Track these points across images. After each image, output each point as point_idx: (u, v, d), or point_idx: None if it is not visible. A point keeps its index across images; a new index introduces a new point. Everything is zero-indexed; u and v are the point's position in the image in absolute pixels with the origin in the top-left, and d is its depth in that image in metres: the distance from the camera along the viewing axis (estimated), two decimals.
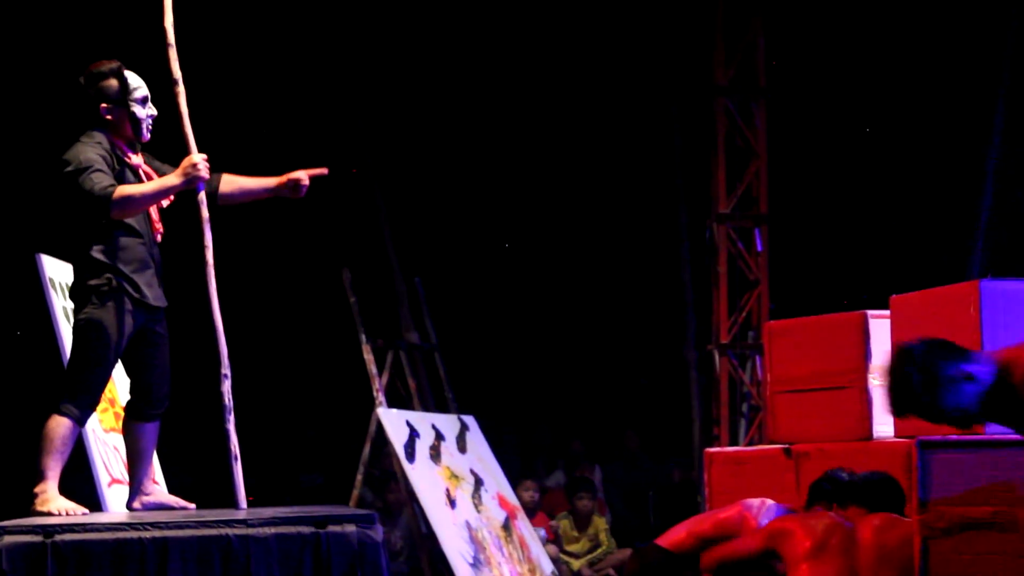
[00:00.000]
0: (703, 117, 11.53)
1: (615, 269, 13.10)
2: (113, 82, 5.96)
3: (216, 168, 6.07)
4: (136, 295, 5.84)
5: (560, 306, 13.28)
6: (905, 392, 4.89)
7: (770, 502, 6.58)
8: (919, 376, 4.85)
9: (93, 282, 5.80)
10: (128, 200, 5.74)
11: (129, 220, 5.85)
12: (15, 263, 8.08)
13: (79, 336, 5.85)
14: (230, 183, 6.11)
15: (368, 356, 9.76)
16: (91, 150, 5.82)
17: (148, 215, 5.95)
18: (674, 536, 6.57)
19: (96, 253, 5.81)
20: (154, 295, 5.92)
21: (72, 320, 6.03)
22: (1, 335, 9.35)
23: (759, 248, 11.38)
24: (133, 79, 6.00)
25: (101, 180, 5.71)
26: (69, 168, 5.76)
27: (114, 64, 6.00)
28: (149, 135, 6.04)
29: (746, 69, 11.37)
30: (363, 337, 9.80)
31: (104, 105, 5.94)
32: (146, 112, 6.00)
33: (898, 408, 4.98)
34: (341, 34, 11.23)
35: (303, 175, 6.07)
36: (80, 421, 5.80)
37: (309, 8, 11.01)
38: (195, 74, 6.29)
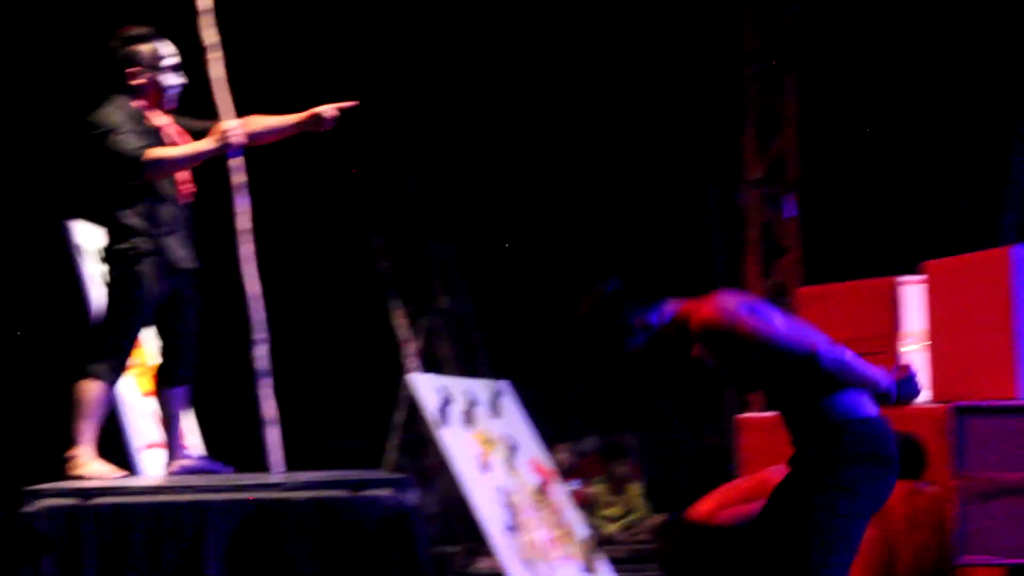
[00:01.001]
0: (733, 83, 11.49)
1: (646, 234, 13.06)
2: (145, 47, 5.97)
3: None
4: (165, 257, 5.85)
5: (592, 271, 13.25)
6: (589, 339, 5.13)
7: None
8: (603, 326, 5.08)
9: (122, 245, 5.81)
10: (161, 162, 5.75)
11: (157, 182, 5.85)
12: (44, 229, 8.10)
13: (109, 299, 5.87)
14: (255, 123, 6.08)
15: (401, 321, 9.77)
16: (116, 113, 5.83)
17: (175, 177, 5.95)
18: (704, 507, 6.55)
19: (125, 216, 5.82)
20: (183, 257, 5.93)
21: (103, 283, 6.06)
22: (32, 301, 9.38)
23: (790, 214, 11.35)
24: (165, 46, 6.00)
25: (131, 142, 5.72)
26: (97, 131, 5.77)
27: (146, 29, 6.01)
28: (176, 104, 6.04)
29: (776, 34, 11.32)
30: (396, 303, 9.81)
31: (133, 69, 5.94)
32: (174, 81, 6.00)
33: (580, 352, 5.17)
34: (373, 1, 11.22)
35: (328, 108, 6.03)
36: (111, 384, 5.82)
37: None
38: (230, 40, 6.29)
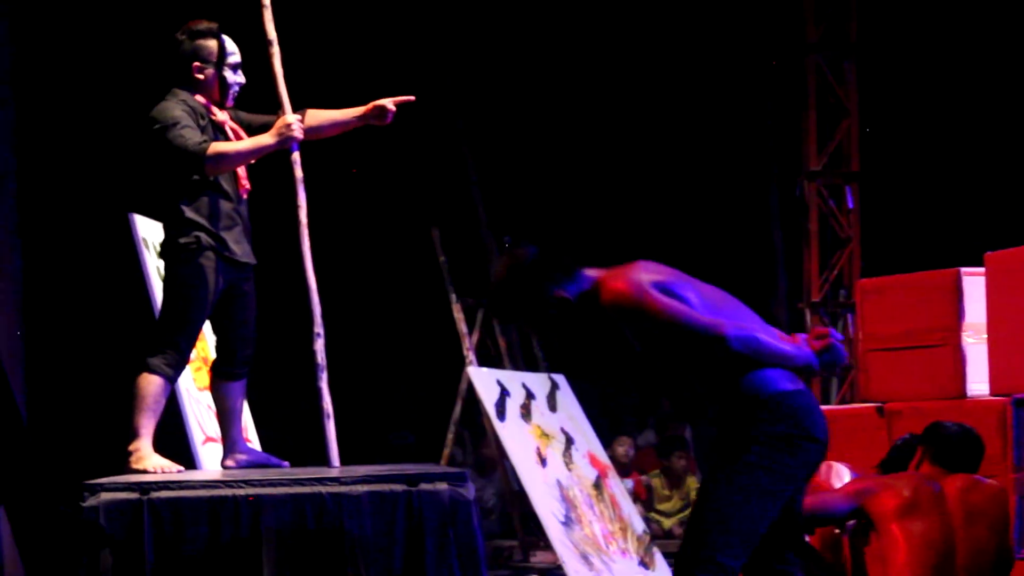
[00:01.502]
0: (794, 74, 11.44)
1: (706, 227, 13.03)
2: (210, 42, 5.99)
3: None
4: (224, 252, 5.87)
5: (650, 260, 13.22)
6: (504, 303, 5.01)
7: (838, 464, 6.52)
8: (518, 292, 4.95)
9: (182, 240, 5.83)
10: (222, 157, 5.77)
11: (216, 177, 5.88)
12: (109, 223, 8.16)
13: (168, 294, 5.90)
14: (316, 117, 6.10)
15: (458, 315, 9.78)
16: (177, 107, 5.84)
17: (235, 173, 5.97)
18: None
19: (183, 211, 5.84)
20: (242, 252, 5.95)
21: (162, 278, 6.09)
22: (95, 294, 9.44)
23: (850, 205, 11.29)
24: (229, 44, 6.02)
25: (193, 136, 5.74)
26: (157, 125, 5.80)
27: (213, 25, 6.02)
28: (233, 102, 6.06)
29: (837, 25, 11.26)
30: (453, 296, 9.82)
31: (197, 64, 5.97)
32: (236, 79, 6.02)
33: (494, 309, 5.09)
34: None
35: (388, 102, 6.04)
36: (171, 379, 5.84)
37: None
38: (290, 35, 6.30)
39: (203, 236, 5.82)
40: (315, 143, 6.18)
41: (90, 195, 9.38)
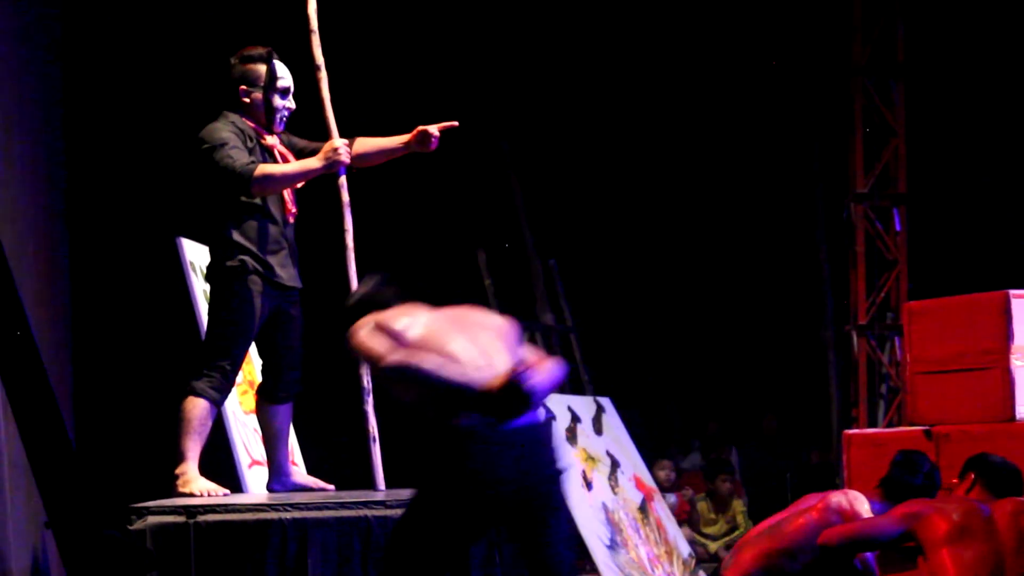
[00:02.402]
0: (841, 96, 11.41)
1: (752, 249, 13.00)
2: (260, 67, 6.01)
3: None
4: (270, 276, 5.89)
5: (696, 286, 13.21)
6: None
7: (853, 491, 6.47)
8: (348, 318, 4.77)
9: (228, 263, 5.86)
10: (269, 179, 5.79)
11: (262, 201, 5.90)
12: (157, 246, 8.20)
13: (214, 317, 5.92)
14: (363, 144, 6.13)
15: None
16: (225, 129, 5.88)
17: (281, 196, 6.00)
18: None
19: (230, 233, 5.86)
20: (287, 275, 5.97)
21: (208, 301, 6.12)
22: (143, 318, 9.49)
23: (898, 228, 11.24)
24: (280, 68, 6.04)
25: (240, 157, 5.77)
26: (205, 146, 5.82)
27: (265, 50, 6.05)
28: (283, 126, 6.08)
29: (884, 47, 11.23)
30: None
31: (244, 87, 6.00)
32: (284, 104, 6.04)
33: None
34: (479, 14, 11.24)
35: (433, 128, 6.06)
36: (217, 402, 5.86)
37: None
38: (338, 60, 6.33)
39: (248, 259, 5.84)
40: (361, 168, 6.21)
41: (138, 219, 9.42)
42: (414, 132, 6.08)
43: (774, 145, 12.73)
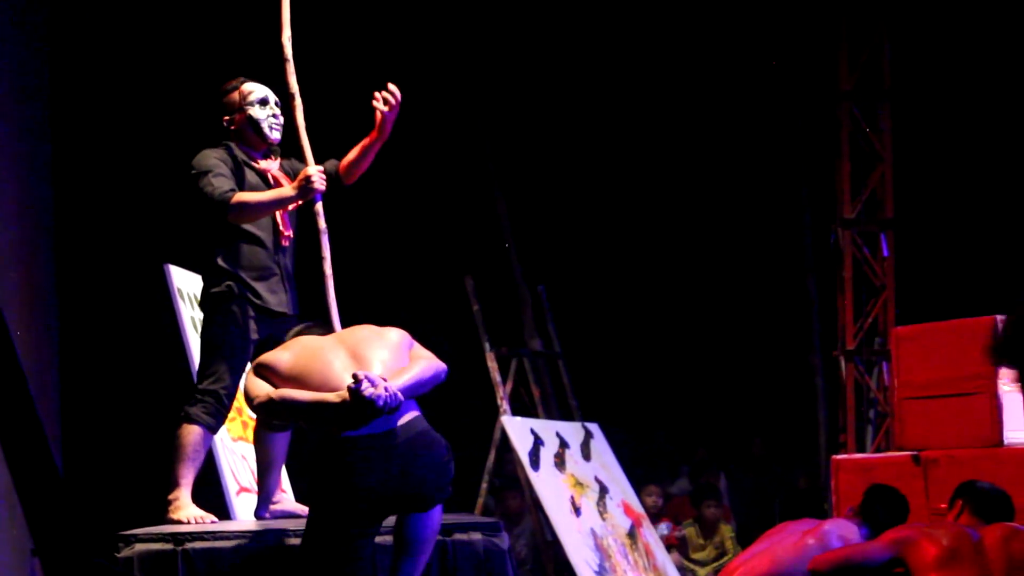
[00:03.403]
0: (827, 121, 11.43)
1: (739, 275, 13.02)
2: (234, 94, 6.10)
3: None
4: (257, 301, 5.90)
5: (684, 312, 13.22)
6: None
7: (827, 525, 6.49)
8: None
9: (215, 290, 5.88)
10: (243, 206, 5.82)
11: (251, 227, 5.93)
12: (144, 273, 8.20)
13: (205, 343, 5.93)
14: (345, 159, 6.17)
15: (492, 364, 9.78)
16: (213, 156, 5.93)
17: (274, 222, 6.01)
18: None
19: (218, 260, 5.90)
20: (277, 301, 5.97)
21: (199, 329, 6.12)
22: (131, 345, 9.48)
23: (885, 253, 11.25)
24: (248, 85, 6.11)
25: (221, 185, 5.82)
26: (192, 172, 5.88)
27: (237, 80, 6.13)
28: (277, 135, 6.11)
29: (871, 72, 11.25)
30: (487, 345, 9.82)
31: (226, 117, 6.07)
32: (266, 113, 6.09)
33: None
34: (463, 38, 11.27)
35: (380, 106, 6.03)
36: (212, 428, 5.86)
37: (431, 12, 11.05)
38: (316, 87, 6.34)
39: (234, 285, 5.86)
40: (347, 193, 6.22)
41: (126, 246, 9.43)
42: (375, 127, 6.08)
43: (762, 171, 12.76)
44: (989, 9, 11.58)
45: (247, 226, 5.91)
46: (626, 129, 12.45)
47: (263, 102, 6.10)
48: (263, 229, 5.97)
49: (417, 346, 5.16)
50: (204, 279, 5.99)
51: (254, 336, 5.89)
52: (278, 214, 6.00)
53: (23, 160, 8.39)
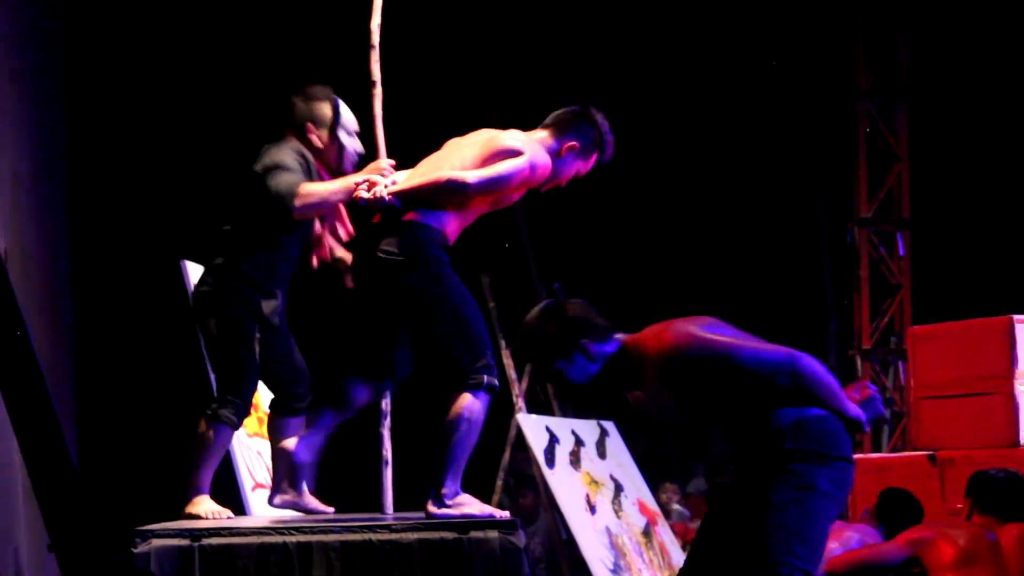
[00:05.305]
0: (844, 121, 11.42)
1: (755, 274, 13.00)
2: (325, 106, 5.90)
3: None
4: (262, 310, 5.85)
5: (700, 310, 13.19)
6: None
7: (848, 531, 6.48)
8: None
9: (230, 286, 5.83)
10: (311, 195, 5.61)
11: (282, 236, 5.81)
12: (161, 269, 8.20)
13: (221, 341, 5.88)
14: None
15: (508, 361, 9.77)
16: (290, 151, 5.76)
17: (312, 239, 5.94)
18: None
19: (239, 260, 5.83)
20: (269, 309, 5.90)
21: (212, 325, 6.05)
22: (147, 341, 9.49)
23: (901, 252, 11.24)
24: (346, 109, 5.94)
25: (291, 180, 5.62)
26: (257, 166, 5.72)
27: (329, 89, 5.95)
28: (352, 168, 5.92)
29: (887, 72, 11.25)
30: (503, 342, 9.81)
31: (310, 125, 5.90)
32: (352, 144, 5.93)
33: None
34: (482, 38, 11.27)
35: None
36: (233, 425, 5.83)
37: (447, 14, 11.06)
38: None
39: (246, 296, 5.81)
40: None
41: (142, 243, 9.43)
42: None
43: (778, 170, 12.74)
44: (1006, 8, 11.56)
45: (286, 242, 5.82)
46: (642, 128, 12.43)
47: (353, 134, 5.94)
48: (295, 243, 5.88)
49: (510, 149, 5.68)
50: (214, 279, 5.88)
51: (258, 334, 5.86)
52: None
53: (40, 160, 8.40)
